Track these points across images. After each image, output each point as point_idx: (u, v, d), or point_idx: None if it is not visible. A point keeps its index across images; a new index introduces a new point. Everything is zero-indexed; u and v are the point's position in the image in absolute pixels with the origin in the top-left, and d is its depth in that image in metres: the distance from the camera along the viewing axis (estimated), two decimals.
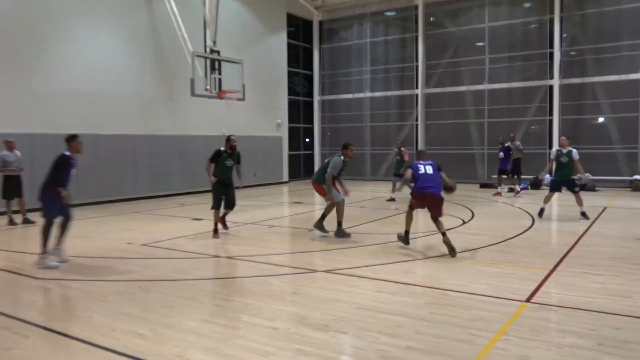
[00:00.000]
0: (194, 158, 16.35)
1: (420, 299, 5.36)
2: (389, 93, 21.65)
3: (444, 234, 7.37)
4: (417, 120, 20.88)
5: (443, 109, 20.48)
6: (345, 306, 5.11)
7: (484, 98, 19.43)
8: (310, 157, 23.55)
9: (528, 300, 5.22)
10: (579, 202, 10.58)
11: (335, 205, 8.86)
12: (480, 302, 5.20)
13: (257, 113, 19.52)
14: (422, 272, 6.63)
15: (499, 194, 15.29)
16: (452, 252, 7.23)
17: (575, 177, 10.64)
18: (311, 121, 23.51)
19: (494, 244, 8.09)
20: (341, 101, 22.91)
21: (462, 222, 10.35)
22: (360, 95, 22.17)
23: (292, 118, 22.05)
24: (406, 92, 21.21)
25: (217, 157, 9.08)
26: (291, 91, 22.14)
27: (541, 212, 10.67)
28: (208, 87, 14.66)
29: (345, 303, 5.20)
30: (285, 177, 21.37)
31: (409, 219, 7.91)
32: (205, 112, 16.95)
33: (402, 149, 14.26)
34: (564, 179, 10.60)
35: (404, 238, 7.89)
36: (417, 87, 20.79)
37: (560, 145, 10.85)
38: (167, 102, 16.13)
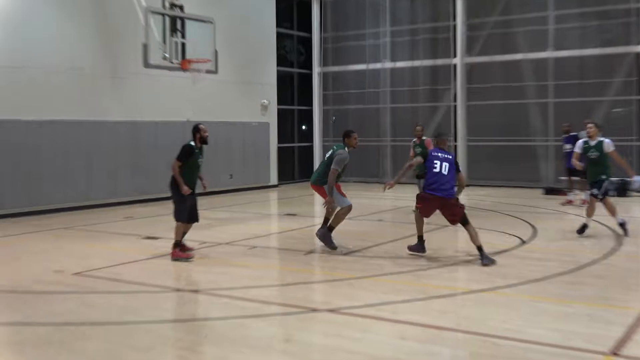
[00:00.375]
0: (147, 152, 16.33)
1: (459, 349, 5.36)
2: (417, 63, 21.62)
3: (479, 248, 8.34)
4: (455, 100, 20.87)
5: (491, 84, 20.46)
6: (357, 358, 5.09)
7: (548, 70, 19.39)
8: (309, 151, 23.55)
9: (613, 352, 5.18)
10: (589, 212, 10.60)
11: (338, 211, 9.32)
12: (543, 354, 5.17)
13: (234, 90, 19.52)
14: (463, 312, 6.61)
15: (569, 202, 15.23)
16: (489, 261, 8.35)
17: (631, 178, 10.57)
18: (309, 102, 23.53)
19: (563, 273, 8.05)
20: (350, 74, 22.91)
21: (520, 241, 10.33)
22: (377, 65, 22.15)
23: (282, 97, 22.05)
24: (440, 61, 21.20)
25: (189, 155, 8.98)
26: (282, 60, 22.15)
27: (623, 227, 10.58)
28: (167, 55, 14.62)
29: (356, 354, 5.19)
30: (274, 180, 21.35)
31: (419, 222, 8.74)
32: (164, 90, 16.93)
33: (425, 138, 13.85)
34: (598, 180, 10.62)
35: (418, 246, 8.69)
36: (454, 55, 20.79)
37: (587, 134, 10.84)
38: (111, 77, 16.09)
